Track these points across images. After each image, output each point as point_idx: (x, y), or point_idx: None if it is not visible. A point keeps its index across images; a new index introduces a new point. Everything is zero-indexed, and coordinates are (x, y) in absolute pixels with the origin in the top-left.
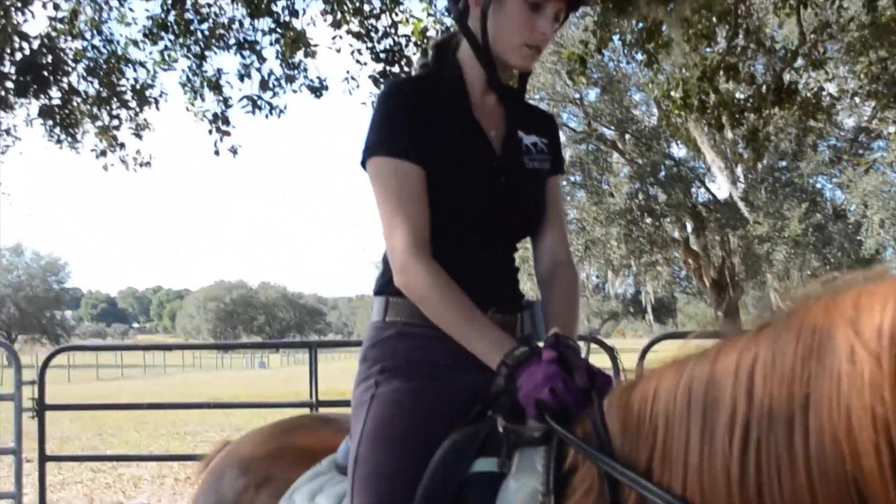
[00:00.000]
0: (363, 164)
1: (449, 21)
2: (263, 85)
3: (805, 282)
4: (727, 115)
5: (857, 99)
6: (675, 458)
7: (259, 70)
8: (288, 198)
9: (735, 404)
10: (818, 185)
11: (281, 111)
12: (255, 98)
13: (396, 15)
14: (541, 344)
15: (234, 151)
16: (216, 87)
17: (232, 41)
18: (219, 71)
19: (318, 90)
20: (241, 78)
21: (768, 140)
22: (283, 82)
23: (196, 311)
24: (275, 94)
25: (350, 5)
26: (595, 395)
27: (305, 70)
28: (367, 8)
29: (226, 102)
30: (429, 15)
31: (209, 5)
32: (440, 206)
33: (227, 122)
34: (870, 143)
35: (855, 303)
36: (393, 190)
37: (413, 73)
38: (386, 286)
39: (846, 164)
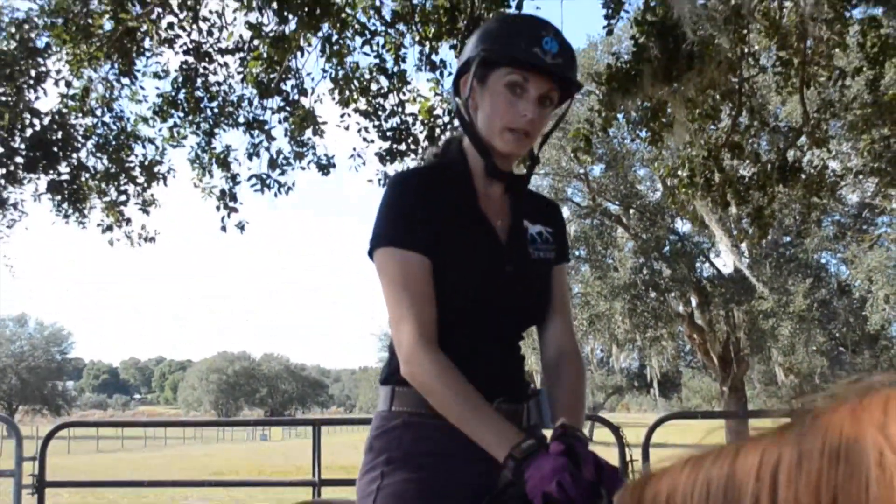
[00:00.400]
0: (370, 253)
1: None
2: (272, 164)
3: (810, 357)
4: (732, 192)
5: (860, 176)
6: None
7: (268, 149)
8: (292, 269)
9: None
10: (823, 261)
11: (289, 188)
12: (265, 177)
13: (404, 94)
14: (547, 434)
15: (241, 227)
16: (224, 163)
17: (241, 119)
18: (227, 148)
19: (325, 167)
20: (250, 157)
21: (773, 217)
22: (291, 160)
23: (198, 383)
24: (283, 173)
25: (358, 84)
26: (604, 490)
27: (313, 147)
28: (374, 87)
29: (234, 179)
30: (436, 94)
31: (219, 84)
32: (447, 296)
33: (234, 198)
34: (874, 218)
35: (884, 407)
36: (400, 280)
37: (423, 161)
38: (392, 375)
39: (850, 239)
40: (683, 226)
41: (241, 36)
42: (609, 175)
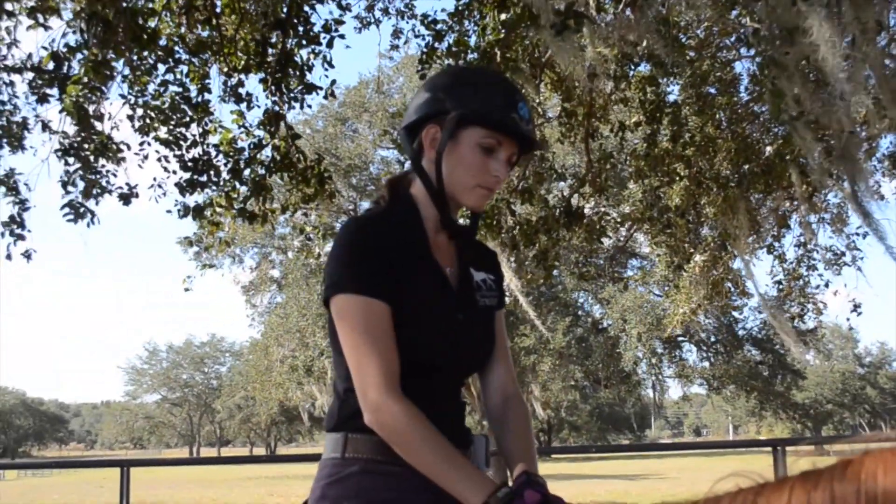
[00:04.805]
0: (326, 300)
1: (260, 132)
2: (87, 192)
3: (565, 392)
4: (521, 235)
5: (634, 223)
6: None
7: (83, 178)
8: (28, 295)
9: None
10: (580, 300)
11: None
12: (78, 206)
13: (206, 124)
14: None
15: (27, 256)
16: (12, 188)
17: (56, 147)
18: (12, 171)
19: (127, 197)
20: (64, 186)
21: (557, 259)
22: (93, 189)
23: None
24: (97, 202)
25: (156, 115)
26: None
27: (114, 175)
28: (176, 115)
29: (23, 205)
30: (239, 126)
31: (2, 103)
32: (402, 343)
33: (22, 226)
34: (626, 260)
35: None
36: (362, 328)
37: (363, 207)
38: (344, 422)
39: (605, 280)
40: None
41: (29, 54)
42: None
